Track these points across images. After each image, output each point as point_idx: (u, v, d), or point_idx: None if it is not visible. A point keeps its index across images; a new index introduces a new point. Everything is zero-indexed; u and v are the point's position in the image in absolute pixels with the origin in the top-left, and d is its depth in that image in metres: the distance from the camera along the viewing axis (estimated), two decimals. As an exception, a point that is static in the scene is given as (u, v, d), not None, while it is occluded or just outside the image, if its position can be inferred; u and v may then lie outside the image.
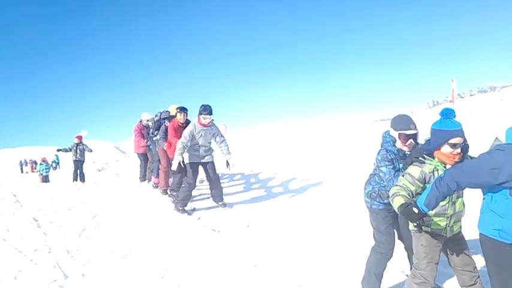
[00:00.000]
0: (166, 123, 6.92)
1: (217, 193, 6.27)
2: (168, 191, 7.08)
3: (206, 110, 5.85)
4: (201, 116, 5.86)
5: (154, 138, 7.93)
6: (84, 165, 12.10)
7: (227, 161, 6.09)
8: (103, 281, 3.64)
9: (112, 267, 3.94)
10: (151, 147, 8.50)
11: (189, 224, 5.45)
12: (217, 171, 6.45)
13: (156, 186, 7.92)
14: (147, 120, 8.81)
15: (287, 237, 4.67)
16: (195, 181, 6.21)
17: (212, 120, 6.03)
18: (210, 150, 6.27)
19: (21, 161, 36.01)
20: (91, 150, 12.13)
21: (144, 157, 9.22)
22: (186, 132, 5.90)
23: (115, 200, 7.15)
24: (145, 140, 8.68)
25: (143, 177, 9.35)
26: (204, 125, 5.93)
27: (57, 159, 32.86)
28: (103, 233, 5.11)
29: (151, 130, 8.23)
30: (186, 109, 6.57)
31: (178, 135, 6.19)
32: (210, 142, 6.23)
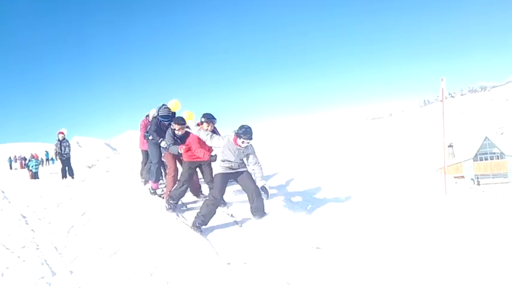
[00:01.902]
0: (174, 126, 6.01)
1: (258, 206, 5.19)
2: (165, 197, 6.15)
3: (247, 134, 5.01)
4: (240, 140, 5.05)
5: (150, 138, 6.93)
6: (73, 162, 11.97)
7: (263, 187, 5.18)
8: (91, 278, 3.64)
9: (100, 265, 3.94)
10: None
11: (178, 222, 5.43)
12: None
13: (153, 192, 7.07)
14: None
15: (276, 235, 4.67)
16: (222, 196, 5.36)
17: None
18: (243, 164, 5.42)
19: (10, 158, 35.71)
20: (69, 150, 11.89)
21: (147, 154, 8.47)
22: (218, 143, 5.23)
23: (104, 197, 7.10)
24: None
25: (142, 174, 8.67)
26: (239, 146, 5.13)
27: (47, 155, 32.66)
28: (92, 230, 5.09)
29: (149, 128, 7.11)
30: (215, 118, 5.80)
31: (205, 146, 5.61)
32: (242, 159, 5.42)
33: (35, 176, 16.65)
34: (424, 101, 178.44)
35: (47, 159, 32.70)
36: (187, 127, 5.85)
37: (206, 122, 5.71)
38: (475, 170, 43.53)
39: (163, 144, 6.29)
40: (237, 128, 5.10)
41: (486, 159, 43.87)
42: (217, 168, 5.22)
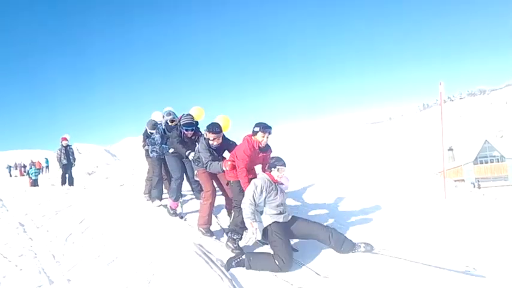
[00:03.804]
0: (207, 135, 4.93)
1: (339, 236, 4.22)
2: (228, 234, 4.68)
3: (281, 160, 4.32)
4: (275, 171, 4.28)
5: (171, 151, 5.95)
6: (74, 169, 11.92)
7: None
8: (89, 286, 3.62)
9: (98, 272, 3.91)
10: (152, 155, 6.59)
11: (177, 228, 5.42)
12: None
13: (173, 212, 6.01)
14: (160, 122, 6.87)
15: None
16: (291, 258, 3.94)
17: None
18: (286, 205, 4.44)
19: (9, 165, 35.73)
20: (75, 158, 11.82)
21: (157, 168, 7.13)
22: (252, 192, 4.14)
23: (103, 204, 7.07)
24: (143, 143, 7.35)
25: (149, 193, 7.35)
26: (277, 181, 4.32)
27: (47, 162, 32.65)
28: (90, 238, 5.06)
29: (157, 137, 6.31)
30: (271, 127, 4.60)
31: (252, 163, 4.71)
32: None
33: (34, 183, 16.62)
34: (424, 104, 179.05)
35: (47, 167, 32.68)
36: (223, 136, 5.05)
37: (262, 132, 4.50)
38: (475, 173, 43.56)
39: (191, 156, 5.22)
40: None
41: (486, 162, 43.95)
42: (266, 219, 4.16)
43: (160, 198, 6.79)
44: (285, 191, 4.51)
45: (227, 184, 4.98)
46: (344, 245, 4.08)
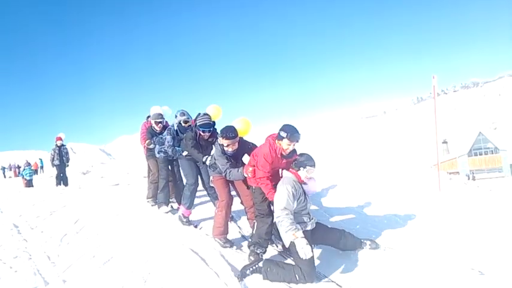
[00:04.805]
0: (221, 140, 4.36)
1: (349, 239, 4.06)
2: (251, 247, 4.17)
3: (311, 160, 3.91)
4: (304, 171, 3.87)
5: (185, 154, 5.43)
6: (68, 169, 11.85)
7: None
8: (84, 287, 3.60)
9: (94, 273, 3.89)
10: (160, 155, 6.21)
11: (172, 227, 5.40)
12: None
13: (186, 220, 5.50)
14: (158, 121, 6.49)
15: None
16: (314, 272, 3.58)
17: None
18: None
19: (3, 166, 35.49)
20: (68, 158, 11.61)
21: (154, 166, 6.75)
22: (286, 198, 3.66)
23: (98, 204, 7.05)
24: (146, 142, 6.58)
25: (153, 197, 6.78)
26: (304, 182, 3.93)
27: (41, 162, 32.44)
28: (85, 238, 5.04)
29: (168, 138, 5.76)
30: (299, 133, 3.98)
31: (274, 169, 4.13)
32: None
33: (29, 183, 16.51)
34: (418, 98, 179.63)
35: (41, 167, 32.49)
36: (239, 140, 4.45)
37: (288, 140, 3.86)
38: (469, 165, 43.88)
39: (207, 161, 4.78)
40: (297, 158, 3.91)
41: (481, 154, 44.28)
42: (286, 233, 3.54)
43: (168, 203, 6.29)
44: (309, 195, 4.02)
45: (247, 188, 4.51)
46: (349, 242, 3.96)
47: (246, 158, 4.63)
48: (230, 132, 4.29)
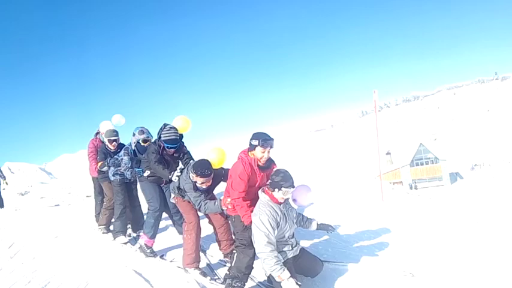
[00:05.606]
0: (194, 178, 3.92)
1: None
2: (227, 281, 3.75)
3: (288, 180, 3.42)
4: (279, 192, 3.42)
5: (146, 174, 4.84)
6: (4, 190, 11.04)
7: (323, 224, 4.03)
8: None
9: (28, 300, 3.64)
10: (115, 177, 5.50)
11: (114, 248, 5.19)
12: None
13: (150, 251, 4.79)
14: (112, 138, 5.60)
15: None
16: None
17: None
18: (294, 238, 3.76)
19: None
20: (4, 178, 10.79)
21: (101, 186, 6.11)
22: (266, 232, 3.36)
23: (36, 226, 6.62)
24: (99, 164, 5.67)
25: (99, 215, 6.20)
26: (280, 203, 3.53)
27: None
28: (20, 263, 4.69)
29: (125, 159, 5.38)
30: (272, 139, 3.63)
31: (251, 187, 3.68)
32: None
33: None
34: (362, 111, 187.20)
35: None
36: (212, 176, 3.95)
37: (261, 147, 3.52)
38: (412, 175, 46.16)
39: (175, 178, 4.25)
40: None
41: (422, 164, 46.75)
42: (271, 272, 3.33)
43: (125, 232, 5.63)
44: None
45: (226, 218, 4.16)
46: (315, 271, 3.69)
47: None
48: (205, 169, 3.82)
